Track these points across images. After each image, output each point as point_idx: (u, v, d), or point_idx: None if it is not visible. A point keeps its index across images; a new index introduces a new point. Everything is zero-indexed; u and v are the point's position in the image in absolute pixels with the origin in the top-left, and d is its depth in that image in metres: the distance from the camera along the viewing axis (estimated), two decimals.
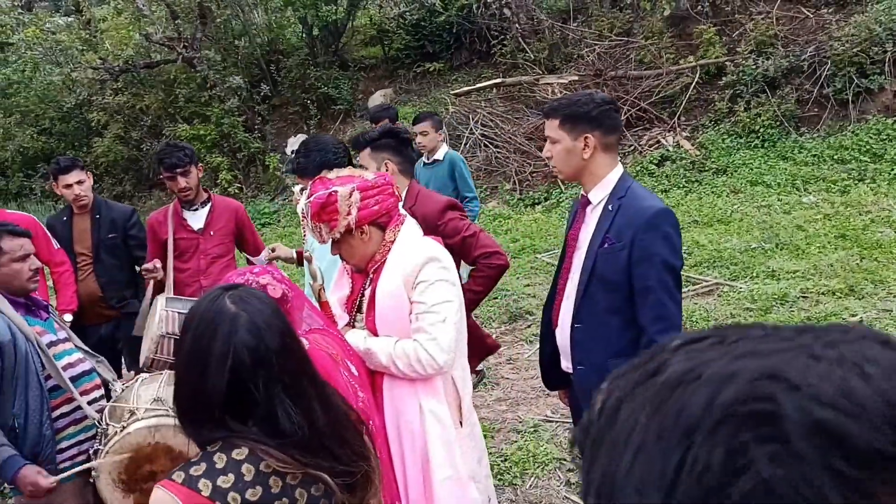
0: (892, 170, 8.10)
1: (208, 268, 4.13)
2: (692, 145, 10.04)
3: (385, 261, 2.51)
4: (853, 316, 5.20)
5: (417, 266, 2.43)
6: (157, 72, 14.40)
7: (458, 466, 2.52)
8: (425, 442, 2.49)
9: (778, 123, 9.59)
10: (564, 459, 4.24)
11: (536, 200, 10.10)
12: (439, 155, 5.29)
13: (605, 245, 2.53)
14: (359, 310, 2.69)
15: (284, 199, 12.87)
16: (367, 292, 2.60)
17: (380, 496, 1.81)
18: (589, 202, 2.63)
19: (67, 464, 2.91)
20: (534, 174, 10.60)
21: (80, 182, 4.44)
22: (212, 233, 4.22)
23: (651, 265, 2.44)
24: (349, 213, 2.38)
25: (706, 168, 9.49)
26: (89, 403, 3.01)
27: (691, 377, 0.48)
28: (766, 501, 0.42)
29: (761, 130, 9.57)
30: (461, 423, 2.62)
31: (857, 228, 6.85)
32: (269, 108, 14.31)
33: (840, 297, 5.56)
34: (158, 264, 3.89)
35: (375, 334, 2.57)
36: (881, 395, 0.44)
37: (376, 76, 14.58)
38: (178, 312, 3.68)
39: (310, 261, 2.89)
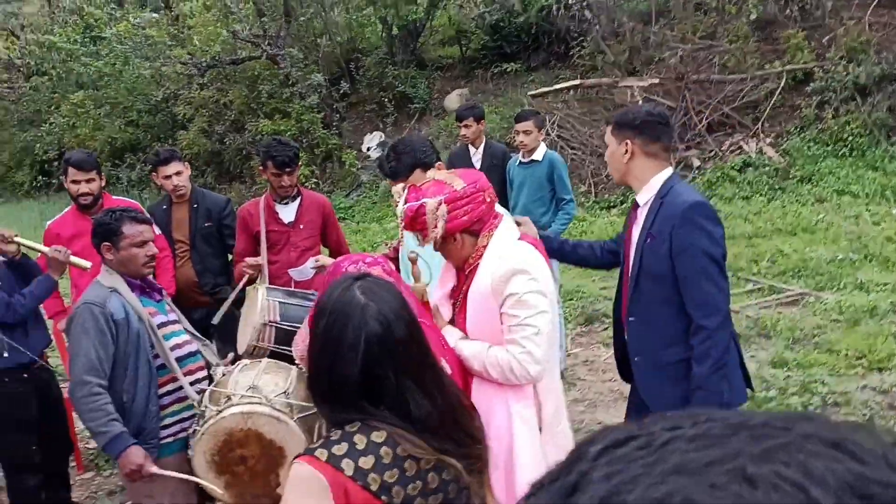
0: None
1: (297, 260, 4.25)
2: (776, 152, 9.81)
3: (478, 265, 2.55)
4: None
5: (504, 279, 2.45)
6: (242, 68, 14.80)
7: (542, 469, 2.54)
8: (512, 443, 2.51)
9: (868, 132, 9.30)
10: None
11: (612, 203, 10.03)
12: (538, 155, 5.29)
13: (648, 240, 2.75)
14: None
15: (359, 195, 13.09)
16: (463, 291, 2.65)
17: (492, 491, 1.86)
18: (638, 204, 2.85)
19: (170, 439, 3.06)
20: (609, 177, 10.50)
21: (178, 173, 4.63)
22: (301, 226, 4.34)
23: (689, 255, 2.64)
24: (436, 226, 2.43)
25: (790, 176, 9.27)
26: (192, 384, 3.15)
27: (648, 481, 0.42)
28: None
29: (850, 139, 9.29)
30: (540, 428, 2.65)
31: None
32: (346, 106, 14.57)
33: None
34: (261, 260, 4.03)
35: (465, 333, 2.62)
36: None
37: (453, 76, 14.68)
38: (279, 302, 3.80)
39: (413, 262, 2.94)
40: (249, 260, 4.01)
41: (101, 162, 4.68)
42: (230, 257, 4.83)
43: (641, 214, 2.83)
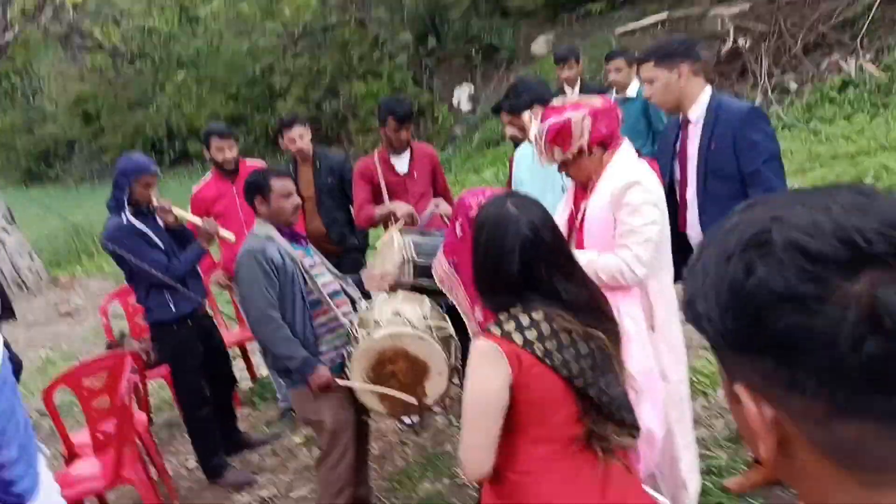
0: None
1: (416, 205, 4.63)
2: (877, 68, 9.57)
3: (598, 181, 2.86)
4: None
5: (623, 189, 2.74)
6: (333, 34, 15.28)
7: (651, 362, 2.86)
8: (622, 338, 2.85)
9: None
10: None
11: None
12: (631, 91, 5.50)
13: (713, 146, 3.08)
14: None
15: (455, 148, 13.43)
16: (582, 207, 2.97)
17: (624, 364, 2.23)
18: (689, 121, 3.17)
19: (327, 364, 3.52)
20: None
21: (301, 136, 5.08)
22: (415, 175, 4.74)
23: (754, 151, 3.00)
24: (581, 136, 2.73)
25: (893, 91, 9.05)
26: (342, 315, 3.61)
27: (734, 226, 0.70)
28: (764, 292, 0.64)
29: None
30: (652, 327, 2.96)
31: None
32: (435, 62, 14.86)
33: None
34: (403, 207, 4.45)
35: (582, 246, 2.95)
36: (834, 222, 0.63)
37: (537, 22, 14.70)
38: (413, 241, 4.20)
39: None
40: (401, 210, 4.39)
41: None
42: (351, 209, 5.28)
43: (695, 130, 3.15)
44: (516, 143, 3.99)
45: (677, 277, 3.47)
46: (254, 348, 6.18)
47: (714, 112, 3.10)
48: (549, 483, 1.95)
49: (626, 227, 2.78)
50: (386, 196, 4.68)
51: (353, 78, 14.59)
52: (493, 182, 10.75)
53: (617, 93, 5.57)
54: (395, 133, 4.61)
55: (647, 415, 2.79)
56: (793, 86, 10.16)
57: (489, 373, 1.92)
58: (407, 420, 4.86)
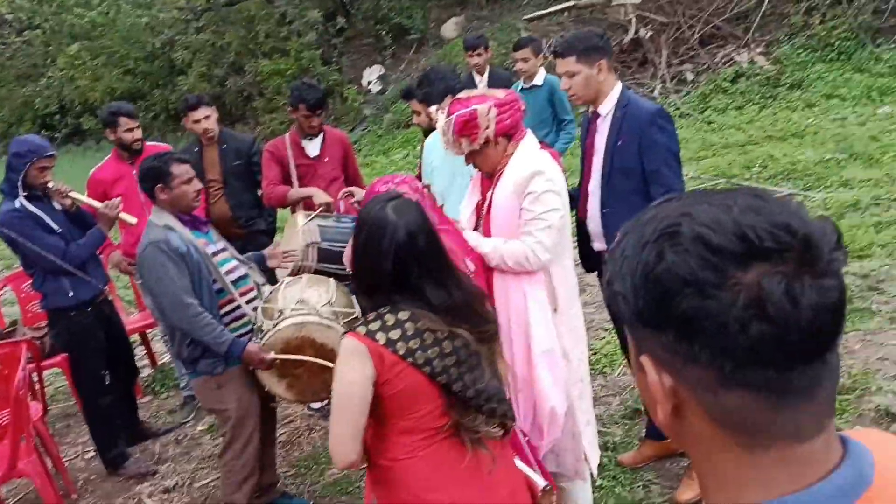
0: None
1: (325, 190, 4.65)
2: (767, 61, 10.06)
3: (503, 171, 2.95)
4: None
5: (527, 178, 2.85)
6: (237, 9, 14.87)
7: (554, 342, 2.99)
8: (528, 321, 2.94)
9: (854, 35, 9.54)
10: None
11: None
12: (538, 80, 5.60)
13: (619, 143, 3.22)
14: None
15: (364, 130, 13.36)
16: (488, 196, 3.05)
17: (503, 357, 2.36)
18: (599, 115, 3.30)
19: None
20: None
21: (207, 117, 4.97)
22: (326, 159, 4.73)
23: (655, 151, 3.15)
24: (487, 127, 2.81)
25: (781, 83, 9.55)
26: (246, 303, 3.59)
27: (651, 217, 0.80)
28: (671, 277, 0.73)
29: (837, 43, 9.55)
30: (555, 309, 3.09)
31: None
32: (344, 41, 14.70)
33: None
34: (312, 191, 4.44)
35: (490, 233, 3.04)
36: (733, 220, 0.73)
37: (448, 4, 14.75)
38: (319, 225, 4.19)
39: (428, 189, 3.36)
40: (319, 198, 4.35)
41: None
42: (259, 192, 5.22)
43: (604, 124, 3.28)
44: (424, 130, 4.04)
45: (591, 269, 3.63)
46: (154, 335, 6.05)
47: (623, 109, 3.23)
48: (415, 468, 2.12)
49: (529, 215, 2.88)
50: (295, 179, 4.65)
51: (259, 55, 14.27)
52: (402, 164, 10.78)
53: (524, 81, 5.68)
54: (306, 119, 4.60)
55: (551, 393, 2.91)
56: (690, 76, 10.57)
57: (353, 370, 2.06)
58: (315, 405, 4.87)
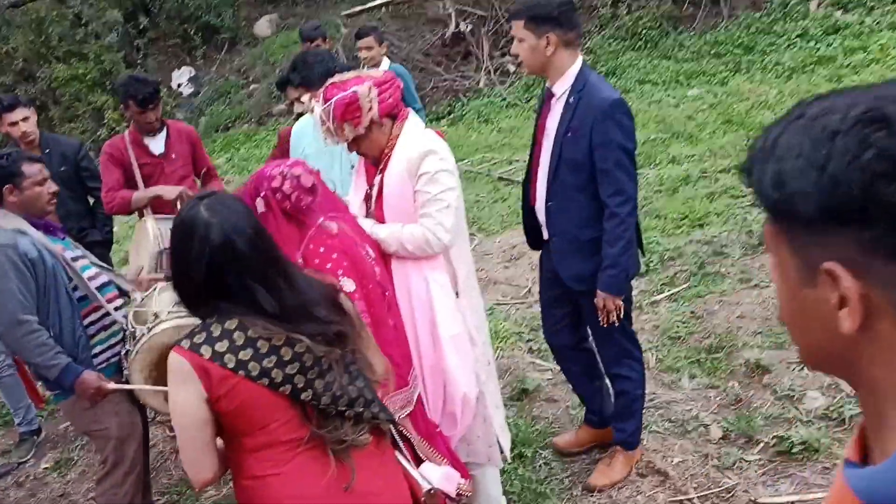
0: (763, 60, 8.90)
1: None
2: (581, 51, 10.54)
3: (391, 154, 2.81)
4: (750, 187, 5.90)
5: (419, 158, 2.72)
6: (24, 10, 13.53)
7: (460, 326, 2.88)
8: (432, 306, 2.82)
9: (658, 24, 10.23)
10: (522, 332, 4.75)
11: (440, 115, 10.42)
12: (383, 68, 5.49)
13: (569, 134, 2.93)
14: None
15: None
16: (377, 182, 2.90)
17: (373, 347, 2.20)
18: (553, 94, 3.01)
19: (103, 365, 3.12)
20: (434, 90, 10.89)
21: (25, 119, 4.46)
22: (173, 156, 4.37)
23: (608, 149, 2.87)
24: (370, 109, 2.65)
25: (597, 71, 10.03)
26: (115, 310, 3.21)
27: (826, 110, 0.73)
28: (882, 163, 0.67)
29: (644, 32, 10.19)
30: (457, 293, 3.01)
31: (740, 114, 7.59)
32: (148, 42, 13.80)
33: (735, 174, 6.26)
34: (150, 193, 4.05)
35: (383, 220, 2.89)
36: None
37: (259, 2, 14.27)
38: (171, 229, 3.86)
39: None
40: (169, 193, 4.04)
41: None
42: (91, 200, 4.74)
43: (557, 106, 2.99)
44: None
45: (535, 246, 3.44)
46: None
47: (578, 93, 2.91)
48: (278, 485, 1.93)
49: (425, 196, 2.76)
50: (140, 181, 4.26)
51: (53, 60, 13.06)
52: (227, 168, 10.27)
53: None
54: (139, 116, 4.23)
55: (461, 378, 2.82)
56: (511, 67, 10.89)
57: (181, 389, 1.88)
58: None
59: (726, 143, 6.90)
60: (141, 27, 13.47)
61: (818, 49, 8.58)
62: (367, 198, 3.00)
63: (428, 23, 11.72)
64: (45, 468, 4.48)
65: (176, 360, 1.87)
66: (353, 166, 3.22)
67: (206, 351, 1.84)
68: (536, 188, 3.17)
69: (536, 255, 5.84)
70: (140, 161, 4.28)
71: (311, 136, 3.47)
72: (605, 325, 3.08)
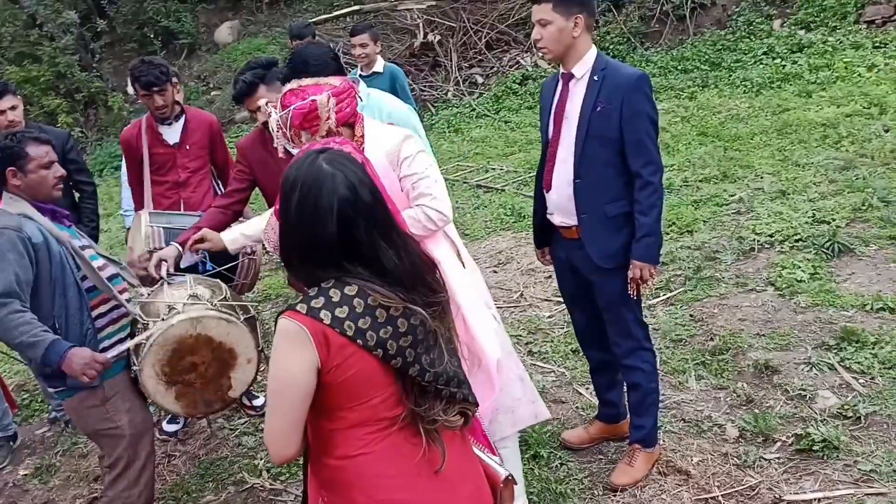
0: (731, 76, 9.09)
1: (187, 180, 4.14)
2: (549, 64, 10.64)
3: (363, 151, 2.77)
4: (732, 196, 6.00)
5: (397, 146, 2.77)
6: None
7: (476, 297, 2.87)
8: (447, 283, 2.81)
9: (625, 40, 10.39)
10: (520, 335, 4.70)
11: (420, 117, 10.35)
12: (378, 67, 5.40)
13: (598, 108, 2.99)
14: None
15: None
16: None
17: (457, 334, 2.12)
18: (572, 77, 3.06)
19: (112, 361, 2.94)
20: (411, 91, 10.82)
21: (13, 107, 4.27)
22: (188, 146, 4.20)
23: (640, 119, 2.95)
24: (328, 118, 2.62)
25: None
26: (126, 302, 3.06)
27: None
28: None
29: (611, 47, 10.32)
30: (463, 264, 2.97)
31: (714, 126, 7.72)
32: (104, 46, 13.44)
33: (717, 182, 6.36)
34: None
35: None
36: None
37: (219, 8, 14.05)
38: (164, 227, 3.71)
39: None
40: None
41: None
42: (77, 195, 4.53)
43: (578, 87, 3.03)
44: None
45: (541, 244, 3.44)
46: None
47: (601, 72, 2.99)
48: (370, 465, 1.81)
49: (415, 177, 2.80)
50: (147, 171, 4.11)
51: (5, 62, 12.61)
52: None
53: (363, 69, 5.47)
54: (146, 100, 4.08)
55: (490, 346, 2.78)
56: (479, 79, 10.92)
57: (293, 355, 1.73)
58: (168, 428, 4.31)
59: (704, 154, 7.00)
60: (98, 30, 13.10)
61: (784, 66, 8.80)
62: None
63: (396, 32, 11.69)
64: (25, 475, 4.26)
65: (291, 325, 1.72)
66: None
67: (325, 316, 1.71)
68: (554, 172, 3.18)
69: (526, 258, 5.92)
70: (152, 150, 4.15)
71: None
72: (634, 296, 3.13)
